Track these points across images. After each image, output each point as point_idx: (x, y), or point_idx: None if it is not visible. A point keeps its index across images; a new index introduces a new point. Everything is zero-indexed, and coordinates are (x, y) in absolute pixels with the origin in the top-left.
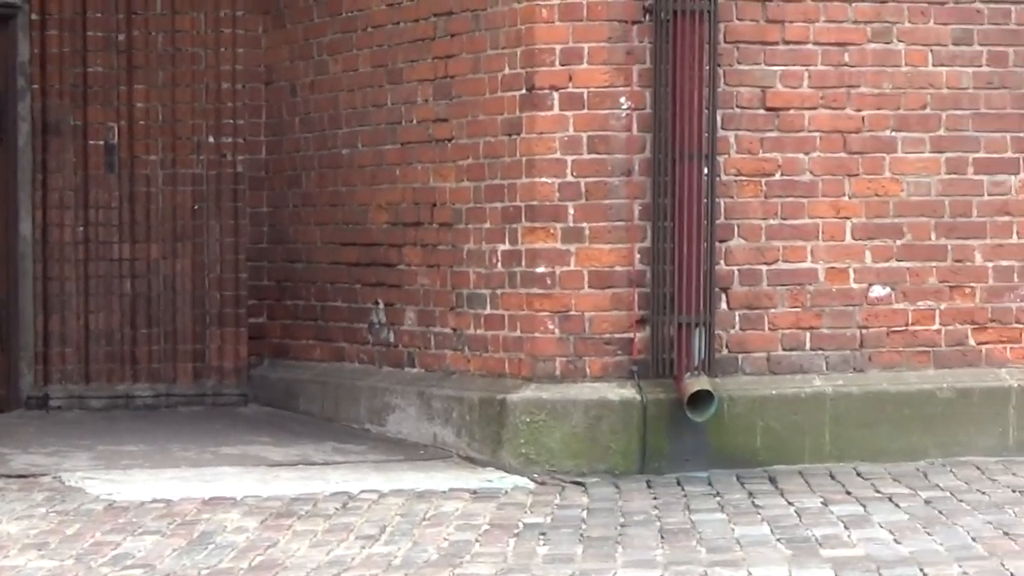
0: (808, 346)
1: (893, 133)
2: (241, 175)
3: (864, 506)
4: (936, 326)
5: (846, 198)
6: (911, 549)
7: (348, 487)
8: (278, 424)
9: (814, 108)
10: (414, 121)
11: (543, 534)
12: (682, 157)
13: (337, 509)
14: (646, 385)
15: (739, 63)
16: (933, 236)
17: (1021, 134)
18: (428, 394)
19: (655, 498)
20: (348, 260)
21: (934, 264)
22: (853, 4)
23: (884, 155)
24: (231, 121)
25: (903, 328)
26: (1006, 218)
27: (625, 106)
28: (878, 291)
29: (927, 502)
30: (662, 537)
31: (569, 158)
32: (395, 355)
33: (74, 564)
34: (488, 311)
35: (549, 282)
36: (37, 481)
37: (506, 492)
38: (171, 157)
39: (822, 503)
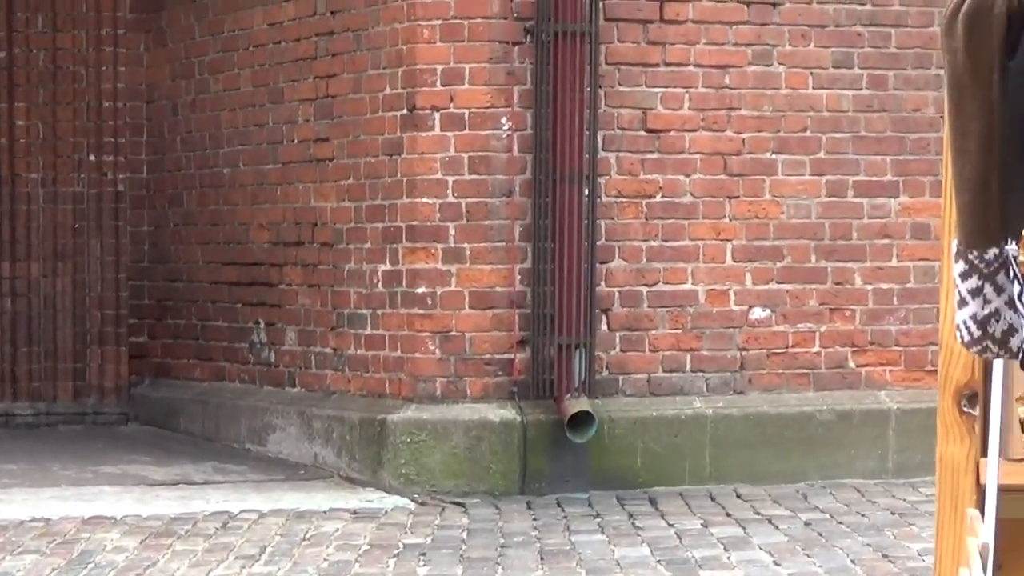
0: (688, 368)
1: (773, 155)
2: (122, 194)
3: (744, 528)
4: (816, 348)
5: (727, 220)
6: (790, 571)
7: (228, 507)
8: (159, 443)
9: (695, 130)
10: (295, 141)
11: (423, 554)
12: (563, 178)
13: (217, 529)
14: (526, 406)
15: (620, 84)
16: (813, 258)
17: (901, 157)
18: (309, 414)
19: (535, 519)
20: (229, 279)
21: (814, 286)
22: (734, 27)
23: (764, 177)
24: (112, 139)
25: (783, 350)
26: (886, 241)
27: (506, 127)
28: (758, 313)
29: (807, 524)
30: (542, 558)
31: (450, 178)
32: (276, 375)
33: None
34: (369, 331)
35: (430, 302)
36: None
37: (386, 512)
38: (52, 175)
39: (702, 525)
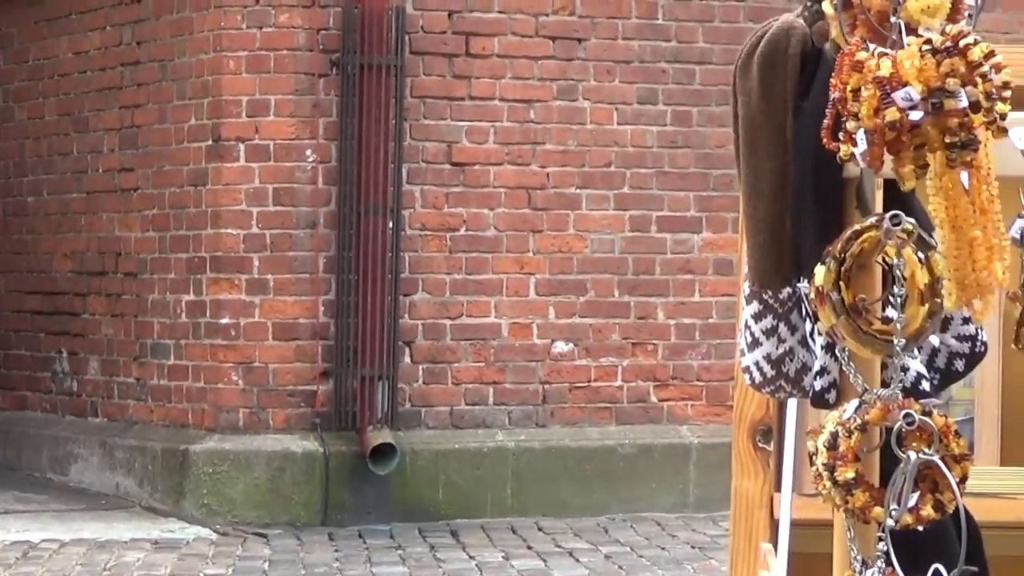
0: (491, 401)
1: (578, 190)
2: None
3: (545, 560)
4: (618, 382)
5: (530, 254)
6: None
7: (29, 536)
8: None
9: (499, 164)
10: (100, 170)
11: None
12: (367, 211)
13: (18, 558)
14: (329, 437)
15: (425, 118)
16: (616, 293)
17: (704, 193)
18: (111, 444)
19: (337, 550)
20: (32, 308)
21: (617, 321)
22: (539, 61)
23: (568, 212)
24: None
25: (585, 384)
26: (688, 276)
27: (311, 159)
28: (561, 347)
29: (607, 557)
30: None
31: (254, 210)
32: (78, 404)
33: None
34: (172, 361)
35: (233, 333)
36: None
37: (188, 543)
38: None
39: (503, 557)
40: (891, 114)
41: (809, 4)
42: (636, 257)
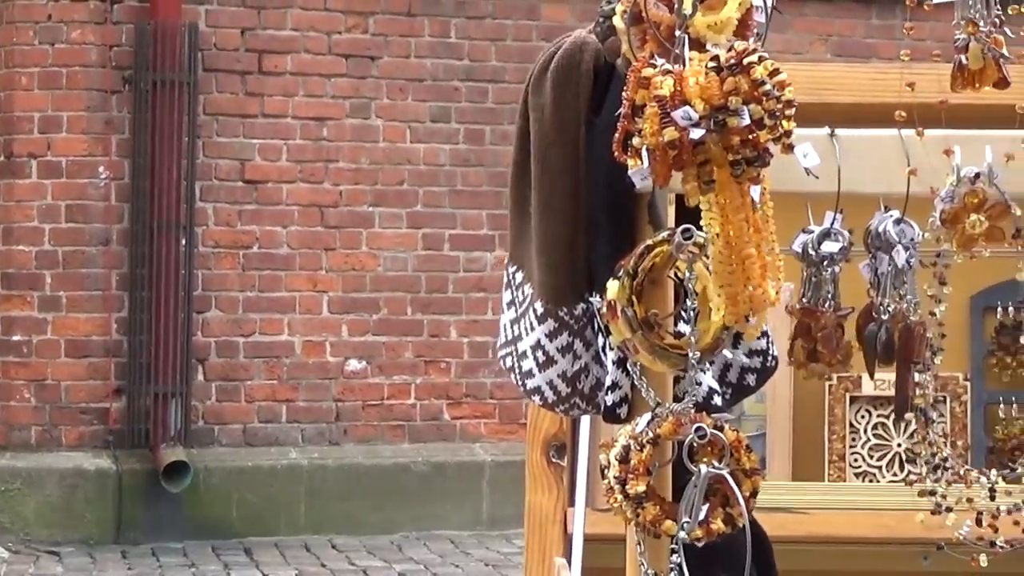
0: (284, 418)
1: (371, 208)
2: None
3: None
4: (411, 400)
5: (323, 272)
6: None
7: None
8: None
9: (292, 182)
10: None
11: None
12: (160, 228)
13: None
14: (122, 455)
15: (218, 135)
16: (409, 311)
17: (497, 211)
18: None
19: (130, 568)
20: None
21: (410, 339)
22: (332, 79)
23: (361, 230)
24: None
25: (379, 402)
26: (481, 294)
27: (104, 176)
28: (354, 365)
29: (401, 575)
30: None
31: (47, 226)
32: None
33: None
34: None
35: (25, 351)
36: None
37: None
38: None
39: (296, 575)
40: (670, 133)
41: (601, 20)
42: (429, 275)
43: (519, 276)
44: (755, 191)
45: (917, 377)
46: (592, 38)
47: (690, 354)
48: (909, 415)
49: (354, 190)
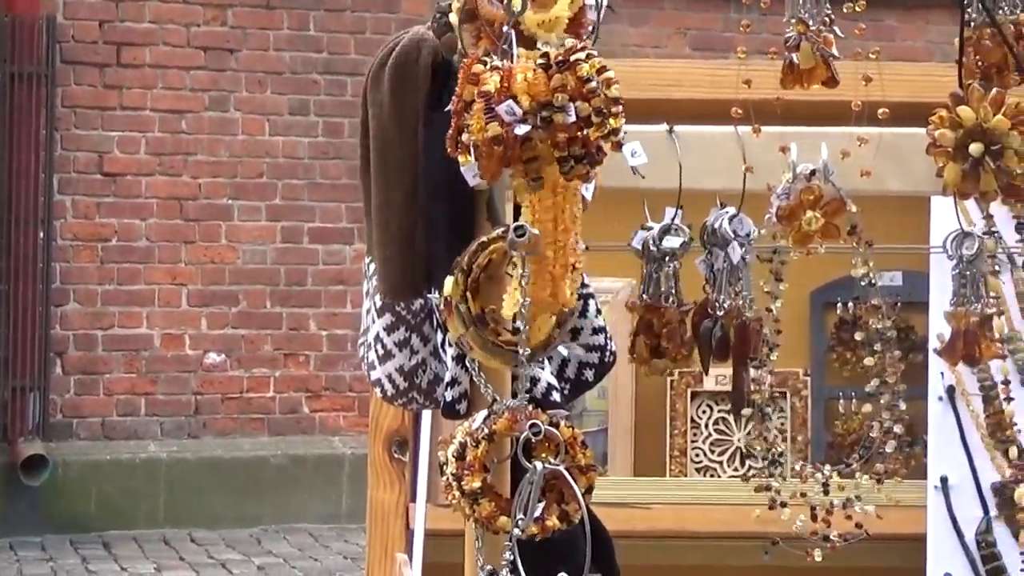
0: (143, 412)
1: (230, 201)
2: None
3: (197, 572)
4: (271, 393)
5: (183, 265)
6: None
7: None
8: None
9: (151, 174)
10: None
11: None
12: (18, 221)
13: None
14: None
15: (77, 128)
16: (268, 304)
17: (355, 204)
18: None
19: None
20: None
21: (269, 332)
22: (191, 72)
23: (221, 223)
24: None
25: (238, 395)
26: (340, 287)
27: None
28: (213, 358)
29: (260, 568)
30: None
31: None
32: None
33: None
34: None
35: None
36: None
37: None
38: None
39: (155, 569)
40: (493, 129)
41: (438, 16)
42: (288, 268)
43: (371, 267)
44: (587, 190)
45: (753, 373)
46: (430, 34)
47: (521, 351)
48: (746, 411)
49: (213, 183)
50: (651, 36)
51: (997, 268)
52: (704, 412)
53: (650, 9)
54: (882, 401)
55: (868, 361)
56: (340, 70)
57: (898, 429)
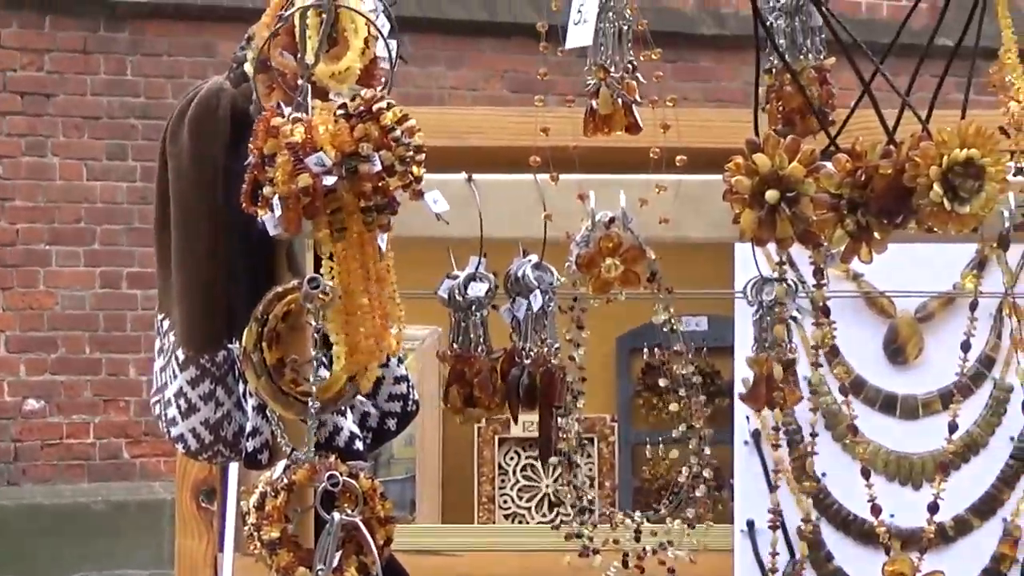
0: None
1: (48, 246)
2: None
3: None
4: (91, 439)
5: (0, 311)
6: None
7: None
8: None
9: None
10: None
11: None
12: None
13: None
14: None
15: None
16: (88, 350)
17: None
18: None
19: None
20: None
21: (88, 378)
22: (7, 117)
23: (39, 268)
24: None
25: (58, 441)
26: None
27: None
28: (32, 404)
29: None
30: None
31: None
32: None
33: None
34: None
35: None
36: None
37: None
38: None
39: None
40: (304, 180)
41: (234, 66)
42: (107, 313)
43: (166, 324)
44: (382, 239)
45: (559, 421)
46: (228, 84)
47: (311, 403)
48: (553, 459)
49: (31, 228)
50: (468, 78)
51: (797, 315)
52: (512, 459)
53: (467, 52)
54: (690, 446)
55: (673, 407)
56: (158, 115)
57: (707, 474)
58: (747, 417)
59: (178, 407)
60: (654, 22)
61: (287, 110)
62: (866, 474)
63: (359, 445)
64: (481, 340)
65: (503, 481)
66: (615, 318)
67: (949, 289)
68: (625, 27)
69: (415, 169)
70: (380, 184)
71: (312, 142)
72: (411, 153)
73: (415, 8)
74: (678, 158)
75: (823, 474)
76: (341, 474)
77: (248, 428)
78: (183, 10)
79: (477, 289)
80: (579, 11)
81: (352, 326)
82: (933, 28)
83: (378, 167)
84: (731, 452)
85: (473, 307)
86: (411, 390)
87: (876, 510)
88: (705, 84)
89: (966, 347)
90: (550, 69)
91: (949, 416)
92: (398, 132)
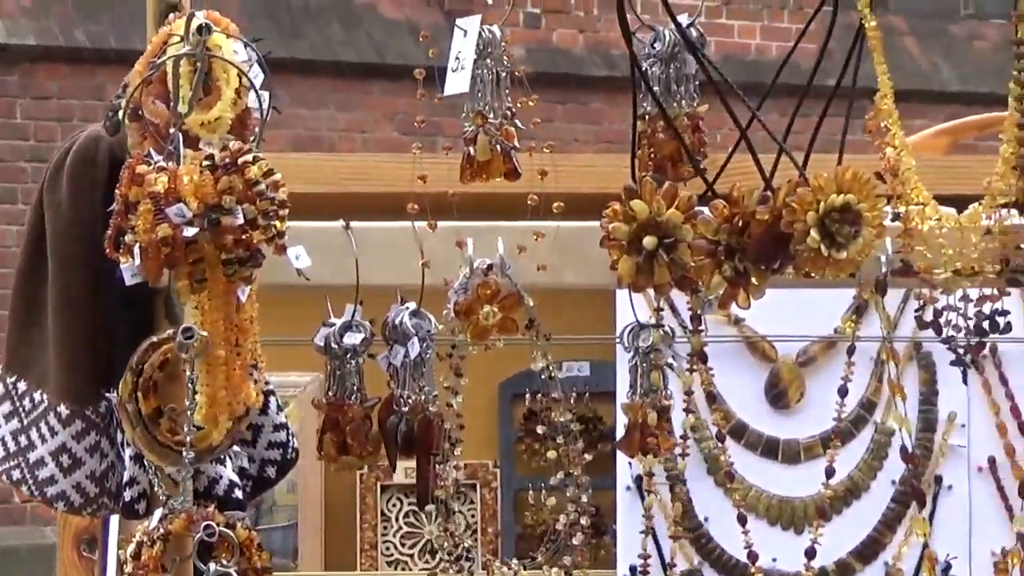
0: None
1: None
2: None
3: None
4: None
5: None
6: None
7: None
8: None
9: None
10: None
11: None
12: None
13: None
14: None
15: None
16: None
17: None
18: None
19: None
20: None
21: None
22: None
23: None
24: None
25: None
26: None
27: None
28: None
29: None
30: None
31: None
32: None
33: None
34: None
35: None
36: None
37: None
38: None
39: None
40: (163, 230)
41: (110, 115)
42: None
43: (22, 385)
44: (243, 291)
45: (437, 468)
46: (106, 132)
47: (185, 453)
48: (429, 507)
49: None
50: (359, 121)
51: (673, 361)
52: (394, 505)
53: (358, 94)
54: (568, 494)
55: (551, 454)
56: (48, 158)
57: (584, 521)
58: (629, 463)
59: (58, 464)
60: (544, 63)
61: (157, 158)
62: (742, 520)
63: (239, 493)
64: (356, 388)
65: (385, 528)
66: (497, 363)
67: (831, 333)
68: (503, 73)
69: (278, 223)
70: (242, 237)
71: (175, 192)
72: (275, 207)
73: (307, 51)
74: (555, 204)
75: (705, 518)
76: (217, 524)
77: (125, 478)
78: (73, 53)
79: (353, 337)
80: (457, 58)
81: (211, 377)
82: (811, 72)
83: (240, 220)
84: (613, 498)
85: (348, 355)
86: (291, 437)
87: (752, 556)
88: (596, 126)
89: (843, 392)
90: (441, 110)
91: (827, 461)
92: (262, 185)
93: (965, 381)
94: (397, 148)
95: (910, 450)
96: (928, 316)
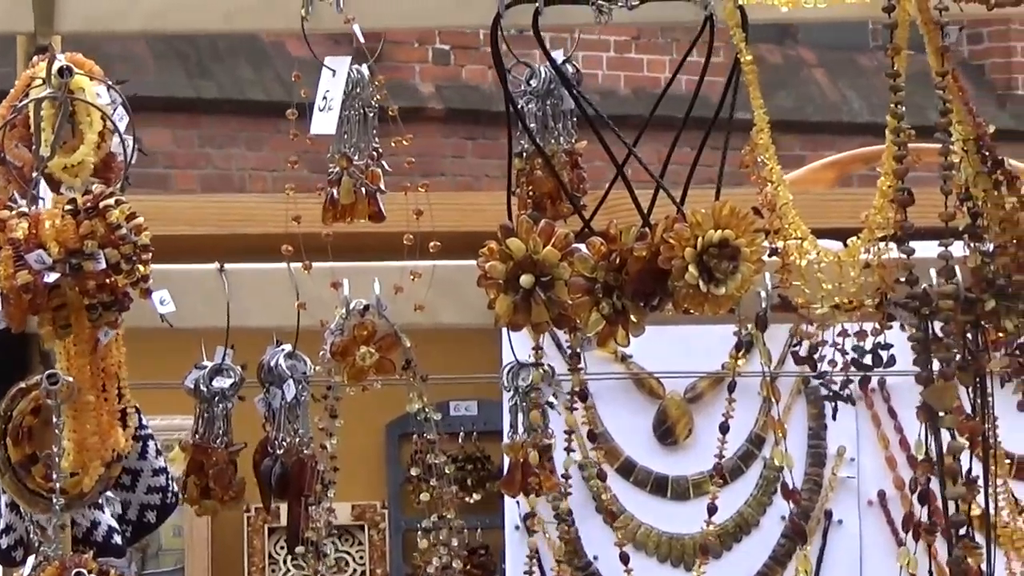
0: None
1: None
2: None
3: None
4: None
5: None
6: None
7: None
8: None
9: None
10: None
11: None
12: None
13: None
14: None
15: None
16: None
17: None
18: None
19: None
20: None
21: None
22: None
23: None
24: None
25: None
26: None
27: None
28: None
29: None
30: None
31: None
32: None
33: None
34: None
35: None
36: None
37: None
38: None
39: None
40: (23, 277)
41: None
42: None
43: None
44: (105, 335)
45: (310, 510)
46: None
47: (54, 500)
48: (299, 549)
49: None
50: (268, 160)
51: (553, 400)
52: (282, 548)
53: (268, 133)
54: (441, 536)
55: (424, 496)
56: None
57: (456, 565)
58: (517, 502)
59: None
60: (454, 100)
61: (21, 202)
62: (624, 559)
63: (118, 539)
64: (222, 432)
65: (273, 570)
66: (385, 404)
67: (718, 369)
68: (371, 113)
69: (142, 267)
70: (105, 281)
71: (36, 238)
72: (138, 251)
73: (215, 91)
74: (432, 244)
75: (595, 557)
76: (90, 571)
77: (1, 525)
78: None
79: (222, 381)
80: (324, 98)
81: (79, 423)
82: (688, 105)
83: (103, 265)
84: (502, 537)
85: (216, 399)
86: (171, 482)
87: None
88: (504, 161)
89: (724, 429)
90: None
91: (709, 499)
92: (125, 229)
93: (834, 417)
94: (308, 187)
95: (790, 486)
96: (804, 351)
